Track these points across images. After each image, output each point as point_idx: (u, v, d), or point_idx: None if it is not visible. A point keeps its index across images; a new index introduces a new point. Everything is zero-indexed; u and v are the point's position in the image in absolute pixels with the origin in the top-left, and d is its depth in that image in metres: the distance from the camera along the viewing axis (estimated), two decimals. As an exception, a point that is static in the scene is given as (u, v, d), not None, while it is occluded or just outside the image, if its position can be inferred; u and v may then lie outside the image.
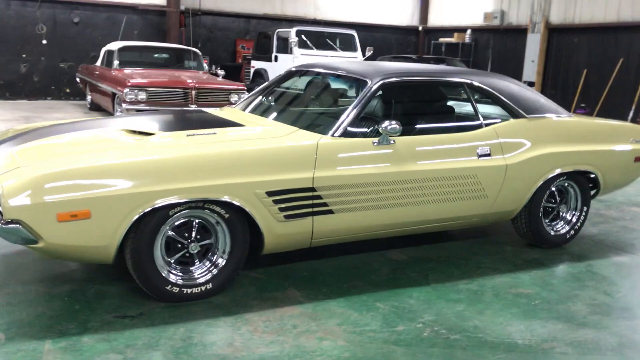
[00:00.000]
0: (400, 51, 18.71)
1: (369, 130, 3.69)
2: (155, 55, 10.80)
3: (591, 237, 4.84)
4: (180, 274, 3.23)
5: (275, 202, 3.28)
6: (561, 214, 4.56)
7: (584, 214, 4.57)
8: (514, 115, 4.20)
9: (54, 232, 2.81)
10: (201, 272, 3.28)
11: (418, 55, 16.80)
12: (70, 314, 3.03)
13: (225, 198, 3.13)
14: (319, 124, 3.73)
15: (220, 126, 3.76)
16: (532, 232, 4.39)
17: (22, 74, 13.75)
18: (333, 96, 4.80)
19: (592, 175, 4.48)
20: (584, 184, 4.51)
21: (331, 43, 12.15)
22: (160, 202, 2.98)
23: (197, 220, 3.24)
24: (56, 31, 13.89)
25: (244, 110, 4.38)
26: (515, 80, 4.50)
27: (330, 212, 3.48)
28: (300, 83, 5.08)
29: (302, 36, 11.74)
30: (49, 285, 3.38)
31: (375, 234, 3.82)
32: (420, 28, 19.06)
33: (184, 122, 4.21)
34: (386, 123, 3.54)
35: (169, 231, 3.18)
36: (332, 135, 3.54)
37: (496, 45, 16.84)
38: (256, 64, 13.20)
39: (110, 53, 10.56)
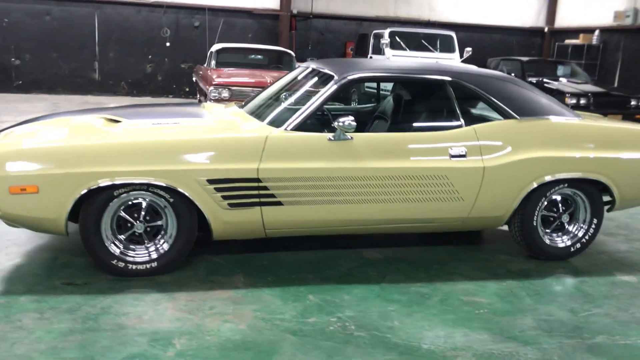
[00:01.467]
0: (522, 54, 17.80)
1: (331, 125, 3.71)
2: (251, 56, 11.36)
3: (613, 254, 4.40)
4: (127, 251, 3.50)
5: (218, 190, 3.44)
6: (566, 225, 4.20)
7: (593, 226, 4.18)
8: (504, 115, 3.97)
9: (7, 202, 3.22)
10: (147, 251, 3.54)
11: (540, 58, 15.89)
12: (28, 277, 3.44)
13: (165, 183, 3.35)
14: (285, 118, 3.82)
15: (192, 117, 3.99)
16: (527, 243, 4.11)
17: (148, 74, 15.12)
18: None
19: (606, 186, 4.08)
20: (594, 194, 4.13)
21: (426, 44, 11.95)
22: (102, 183, 3.27)
23: (146, 203, 3.49)
24: (178, 35, 15.09)
25: (242, 107, 4.55)
26: (519, 81, 4.23)
27: (279, 203, 3.57)
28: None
29: (396, 37, 11.68)
30: (36, 251, 3.82)
31: (336, 229, 3.83)
32: (546, 29, 17.98)
33: (168, 113, 4.41)
34: (342, 119, 3.56)
35: (121, 211, 3.47)
36: (285, 129, 3.62)
37: (627, 48, 15.42)
38: (356, 66, 13.35)
39: (211, 54, 11.31)
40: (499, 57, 15.37)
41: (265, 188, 3.51)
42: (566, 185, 4.06)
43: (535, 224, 4.06)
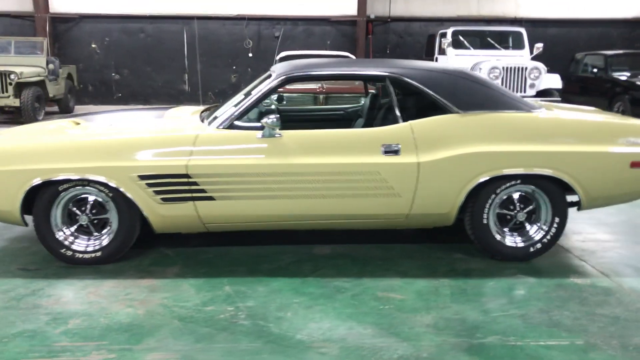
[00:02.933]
0: (626, 47, 16.50)
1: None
2: (312, 62, 11.63)
3: (581, 255, 4.10)
4: (74, 240, 3.86)
5: (149, 185, 3.70)
6: (525, 224, 3.99)
7: (555, 226, 3.93)
8: (445, 110, 3.86)
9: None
10: (93, 242, 3.87)
11: (631, 51, 14.65)
12: (-6, 263, 3.91)
13: (102, 179, 3.67)
14: (222, 118, 3.95)
15: (148, 119, 4.29)
16: (479, 241, 3.97)
17: (232, 84, 15.92)
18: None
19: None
20: (553, 191, 3.89)
21: (492, 42, 11.52)
22: (44, 179, 3.65)
23: (92, 197, 3.83)
24: (260, 45, 15.75)
25: (211, 110, 4.71)
26: (472, 75, 4.06)
27: (211, 198, 3.76)
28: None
29: (459, 36, 11.38)
30: (17, 240, 4.31)
31: (273, 225, 3.94)
32: (653, 19, 16.54)
33: (133, 116, 4.71)
34: (271, 116, 3.69)
35: (70, 204, 3.84)
36: (217, 127, 3.80)
37: None
38: (426, 67, 13.15)
39: (275, 62, 11.73)
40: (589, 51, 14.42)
41: (195, 183, 3.72)
42: (519, 181, 3.86)
43: (485, 222, 3.90)
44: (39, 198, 3.75)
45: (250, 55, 15.79)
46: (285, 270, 3.81)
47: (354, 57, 11.65)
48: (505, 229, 4.00)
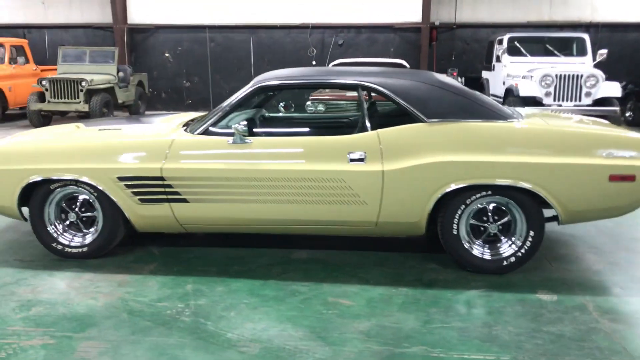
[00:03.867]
0: None
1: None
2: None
3: (562, 271, 3.93)
4: (66, 236, 4.18)
5: (127, 186, 3.95)
6: (500, 237, 3.89)
7: (530, 240, 3.80)
8: (414, 119, 3.85)
9: (-25, 192, 4.11)
10: (80, 238, 4.17)
11: None
12: (-2, 253, 4.30)
13: (85, 179, 3.96)
14: (200, 124, 4.12)
15: (139, 125, 4.56)
16: (451, 252, 3.91)
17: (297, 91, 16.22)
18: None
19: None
20: (527, 203, 3.77)
21: (551, 48, 11.07)
22: (35, 178, 3.99)
23: (82, 196, 4.14)
24: (323, 53, 15.97)
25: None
26: (447, 83, 4.00)
27: (185, 200, 3.95)
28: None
29: (516, 43, 11.04)
30: (27, 233, 4.70)
31: (246, 228, 4.07)
32: None
33: (128, 122, 4.93)
34: (241, 123, 3.85)
35: (63, 202, 4.17)
36: (194, 133, 4.00)
37: None
38: (484, 74, 12.84)
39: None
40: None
41: (170, 186, 3.93)
42: (490, 192, 3.77)
43: (455, 233, 3.84)
44: (34, 195, 4.09)
45: (314, 63, 16.01)
46: (252, 272, 3.93)
47: (407, 65, 11.59)
48: (478, 241, 3.91)
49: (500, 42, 11.50)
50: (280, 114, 5.06)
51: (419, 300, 3.49)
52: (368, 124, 3.89)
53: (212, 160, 3.89)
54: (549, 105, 9.59)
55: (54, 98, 11.91)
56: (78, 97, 11.85)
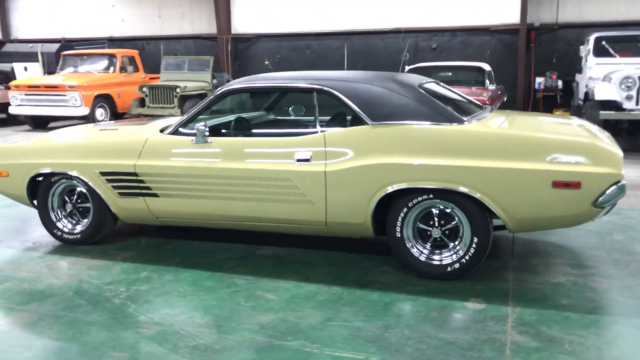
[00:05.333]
0: None
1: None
2: (440, 73, 11.51)
3: (513, 281, 3.75)
4: (64, 224, 4.71)
5: (108, 180, 4.39)
6: (447, 242, 3.81)
7: (474, 246, 3.68)
8: (360, 121, 3.89)
9: (-4, 183, 4.78)
10: (73, 225, 4.68)
11: None
12: (11, 233, 4.94)
13: (74, 173, 4.47)
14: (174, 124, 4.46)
15: (132, 126, 4.99)
16: (396, 255, 3.90)
17: (389, 95, 16.23)
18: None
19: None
20: (470, 209, 3.66)
21: (642, 48, 10.13)
22: (39, 171, 4.57)
23: (79, 189, 4.65)
24: (417, 57, 15.85)
25: None
26: (398, 85, 3.96)
27: (156, 195, 4.32)
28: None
29: (603, 42, 10.25)
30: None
31: (211, 223, 4.33)
32: None
33: (128, 124, 5.37)
34: (202, 123, 4.14)
35: (64, 193, 4.71)
36: (165, 133, 4.35)
37: None
38: (577, 77, 12.02)
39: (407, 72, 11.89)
40: None
41: (142, 181, 4.31)
42: (431, 196, 3.72)
43: (399, 235, 3.83)
44: (40, 187, 4.67)
45: (407, 67, 15.93)
46: (209, 264, 4.18)
47: (487, 69, 11.22)
48: (424, 245, 3.85)
49: (587, 42, 10.74)
50: (253, 116, 5.22)
51: (341, 299, 3.53)
52: (318, 126, 3.99)
53: (177, 158, 4.21)
54: (631, 110, 8.82)
55: (153, 103, 13.02)
56: (173, 103, 12.85)
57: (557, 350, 2.87)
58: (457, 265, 3.74)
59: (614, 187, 3.37)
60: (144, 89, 13.06)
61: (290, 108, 5.71)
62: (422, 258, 3.82)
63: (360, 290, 3.68)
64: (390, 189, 3.71)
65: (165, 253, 4.45)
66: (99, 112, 13.39)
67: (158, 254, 4.44)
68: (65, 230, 4.68)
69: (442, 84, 4.94)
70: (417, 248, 3.85)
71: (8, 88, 13.63)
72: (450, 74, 11.46)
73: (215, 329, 3.15)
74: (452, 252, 3.78)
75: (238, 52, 17.38)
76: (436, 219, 3.80)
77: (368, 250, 4.39)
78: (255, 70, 17.10)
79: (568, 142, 3.49)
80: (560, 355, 2.82)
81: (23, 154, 4.66)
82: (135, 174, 4.30)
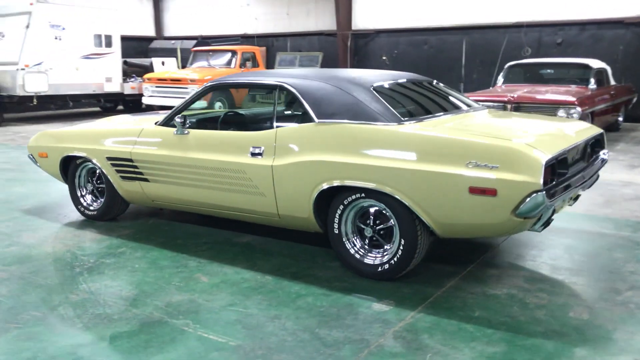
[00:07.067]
0: None
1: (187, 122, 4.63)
2: (541, 71, 10.83)
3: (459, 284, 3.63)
4: (86, 201, 5.36)
5: (112, 165, 4.94)
6: (381, 241, 3.79)
7: (401, 248, 3.63)
8: (309, 118, 3.98)
9: (39, 162, 5.57)
10: (91, 202, 5.31)
11: None
12: (57, 208, 5.72)
13: (88, 158, 5.08)
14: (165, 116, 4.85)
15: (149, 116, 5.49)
16: (335, 252, 3.96)
17: (508, 93, 15.47)
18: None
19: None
20: (398, 210, 3.61)
21: None
22: (66, 154, 5.26)
23: (98, 171, 5.27)
24: (539, 52, 14.91)
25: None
26: (349, 83, 3.96)
27: (147, 180, 4.78)
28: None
29: None
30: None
31: (190, 208, 4.69)
32: None
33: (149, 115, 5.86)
34: (179, 117, 4.53)
35: (88, 175, 5.37)
36: (156, 124, 4.78)
37: None
38: None
39: (503, 70, 11.37)
40: None
41: (136, 167, 4.79)
42: (363, 195, 3.72)
43: (337, 232, 3.88)
44: (70, 167, 5.37)
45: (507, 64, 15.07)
46: (182, 246, 4.53)
47: (599, 65, 10.32)
48: (361, 243, 3.85)
49: None
50: (228, 111, 5.42)
51: (262, 288, 3.68)
52: (275, 122, 4.15)
53: (162, 148, 4.61)
54: None
55: (262, 98, 13.76)
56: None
57: (414, 357, 2.79)
58: (386, 266, 3.70)
59: (534, 196, 3.13)
60: (255, 83, 13.83)
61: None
62: (357, 256, 3.83)
63: (288, 281, 3.79)
64: (324, 186, 3.77)
65: (157, 233, 4.89)
66: (217, 105, 14.43)
67: (152, 233, 4.89)
68: (86, 206, 5.32)
69: (436, 82, 4.84)
70: (353, 246, 3.85)
71: (143, 81, 15.23)
72: (551, 71, 10.71)
73: (128, 302, 3.48)
74: (383, 253, 3.75)
75: (357, 48, 17.62)
76: (372, 218, 3.78)
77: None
78: (372, 66, 17.24)
79: (488, 147, 3.29)
80: (412, 363, 2.75)
81: (58, 139, 5.37)
82: (130, 160, 4.78)
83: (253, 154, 4.09)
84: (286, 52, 15.24)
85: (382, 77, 4.33)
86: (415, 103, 4.25)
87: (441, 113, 4.13)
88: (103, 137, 5.00)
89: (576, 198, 4.18)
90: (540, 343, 2.93)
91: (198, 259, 4.25)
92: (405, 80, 4.47)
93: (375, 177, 3.56)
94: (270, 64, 14.87)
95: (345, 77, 4.12)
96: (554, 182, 3.37)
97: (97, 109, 17.26)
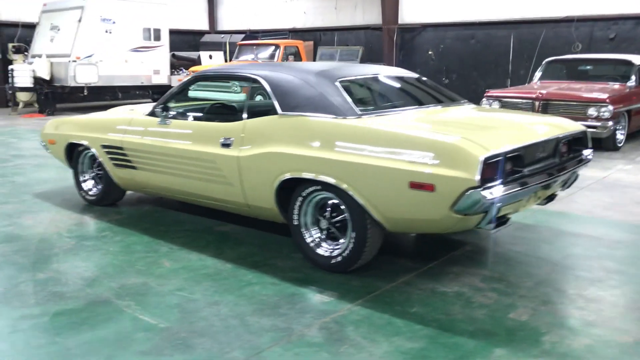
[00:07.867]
0: None
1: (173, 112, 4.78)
2: (579, 67, 10.42)
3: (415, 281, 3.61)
4: (87, 186, 5.62)
5: (106, 152, 5.17)
6: (336, 233, 3.81)
7: (352, 241, 3.64)
8: (273, 110, 4.04)
9: (50, 148, 5.88)
10: (91, 188, 5.56)
11: None
12: (58, 192, 6.02)
13: (86, 145, 5.33)
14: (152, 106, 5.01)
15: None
16: (295, 242, 4.01)
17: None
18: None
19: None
20: (350, 203, 3.62)
21: None
22: (69, 141, 5.54)
23: (99, 159, 5.52)
24: (590, 48, 14.31)
25: None
26: (315, 77, 3.98)
27: (135, 167, 4.98)
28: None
29: None
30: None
31: (172, 196, 4.86)
32: None
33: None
34: (159, 107, 4.69)
35: (89, 161, 5.64)
36: (144, 114, 4.96)
37: None
38: None
39: (541, 66, 11.01)
40: None
41: (126, 155, 4.99)
42: (319, 187, 3.75)
43: (296, 223, 3.93)
44: (74, 154, 5.65)
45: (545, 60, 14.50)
46: (164, 233, 4.69)
47: (633, 61, 9.83)
48: (319, 235, 3.88)
49: None
50: (210, 103, 5.51)
51: (217, 275, 3.78)
52: (245, 113, 4.22)
53: (145, 136, 4.78)
54: None
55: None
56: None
57: (330, 348, 2.81)
58: (339, 259, 3.72)
59: (470, 192, 3.07)
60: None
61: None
62: (315, 248, 3.86)
63: (245, 269, 3.87)
64: (282, 178, 3.82)
65: (145, 219, 5.08)
66: (258, 99, 14.66)
67: (140, 219, 5.09)
68: (87, 191, 5.58)
69: (423, 78, 4.80)
70: (310, 237, 3.89)
71: (189, 73, 15.65)
72: (589, 67, 10.29)
73: (85, 283, 3.66)
74: (336, 245, 3.76)
75: (404, 42, 17.44)
76: (329, 210, 3.80)
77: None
78: (418, 60, 17.05)
79: (428, 142, 3.25)
80: (324, 353, 2.77)
81: (65, 127, 5.66)
82: (121, 148, 4.98)
83: (223, 145, 4.18)
84: (327, 47, 15.27)
85: (354, 71, 4.32)
86: (383, 98, 4.22)
87: (409, 107, 4.09)
88: (101, 126, 5.22)
89: (551, 197, 4.05)
90: (463, 341, 2.88)
91: (171, 245, 4.39)
92: (379, 74, 4.44)
93: (325, 170, 3.58)
94: (316, 58, 14.95)
95: (314, 70, 4.14)
96: (498, 179, 3.28)
97: (148, 100, 17.88)
